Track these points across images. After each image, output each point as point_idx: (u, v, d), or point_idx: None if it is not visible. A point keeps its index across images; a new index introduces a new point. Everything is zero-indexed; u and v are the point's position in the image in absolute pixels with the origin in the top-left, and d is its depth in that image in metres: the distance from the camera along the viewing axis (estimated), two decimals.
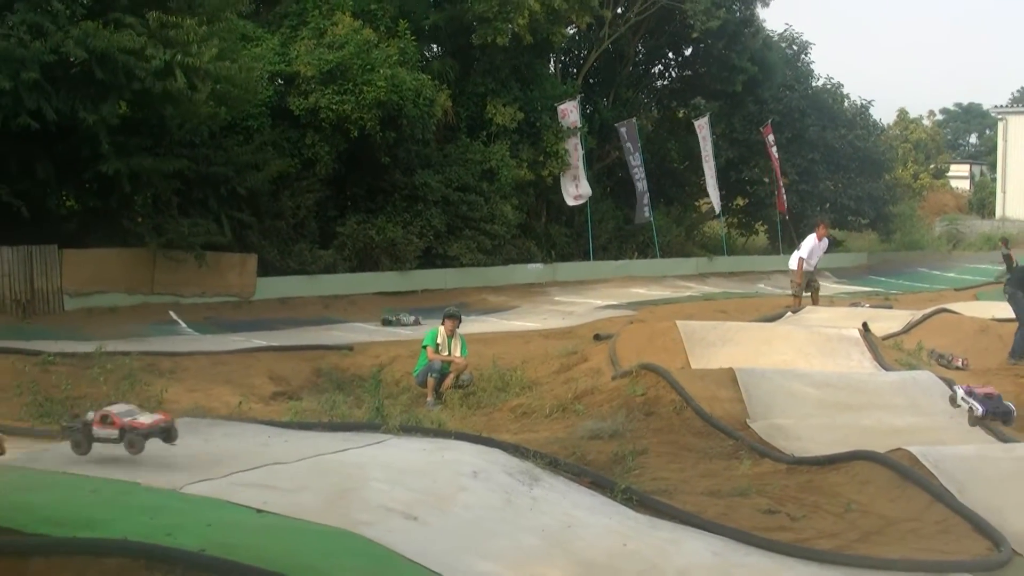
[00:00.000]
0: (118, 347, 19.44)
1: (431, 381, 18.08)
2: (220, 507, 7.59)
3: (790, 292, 28.22)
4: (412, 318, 27.48)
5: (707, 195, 46.87)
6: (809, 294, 27.00)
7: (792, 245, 44.54)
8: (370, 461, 9.48)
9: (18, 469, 8.69)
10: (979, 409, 13.68)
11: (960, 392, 14.16)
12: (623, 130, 40.95)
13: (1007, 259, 38.63)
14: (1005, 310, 21.81)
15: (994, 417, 13.60)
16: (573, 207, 39.84)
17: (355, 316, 28.63)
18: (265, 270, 29.34)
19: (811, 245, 26.70)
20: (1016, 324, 20.38)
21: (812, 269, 27.08)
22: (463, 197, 34.10)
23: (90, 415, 9.19)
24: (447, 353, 18.41)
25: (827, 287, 33.01)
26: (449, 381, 18.22)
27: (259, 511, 7.54)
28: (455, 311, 19.26)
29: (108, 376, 16.51)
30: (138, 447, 8.88)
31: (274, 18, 33.53)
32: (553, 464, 10.30)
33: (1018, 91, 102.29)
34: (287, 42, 31.67)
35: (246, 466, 8.81)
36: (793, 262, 26.94)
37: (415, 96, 31.10)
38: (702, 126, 43.36)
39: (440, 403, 17.54)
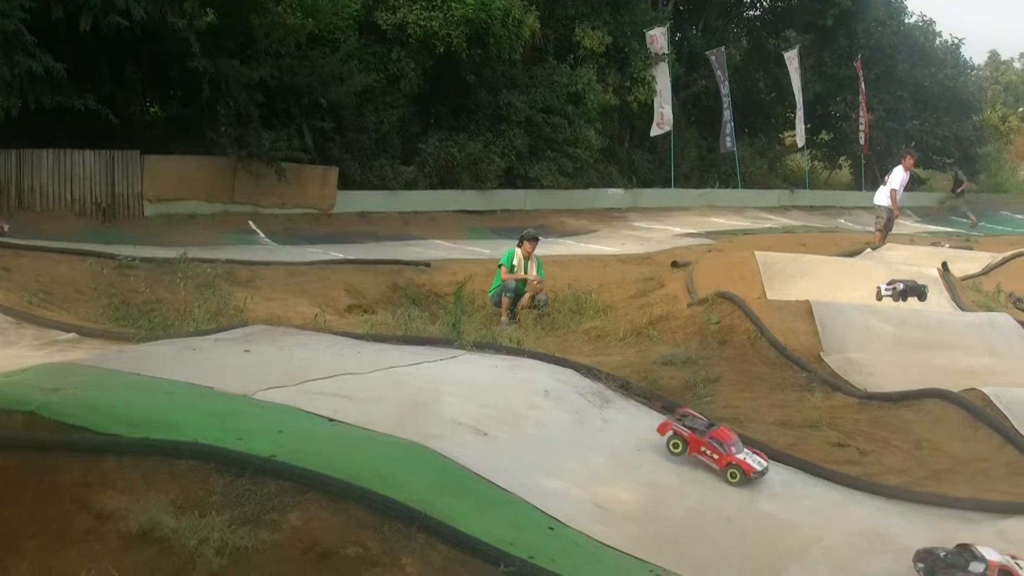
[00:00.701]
0: (196, 255, 19.48)
1: (506, 301, 18.10)
2: (292, 414, 7.58)
3: (872, 228, 27.72)
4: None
5: (792, 128, 46.55)
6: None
7: (876, 182, 44.18)
8: (443, 376, 9.45)
9: (93, 369, 8.68)
10: (900, 286, 15.41)
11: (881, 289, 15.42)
12: (714, 58, 40.65)
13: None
14: None
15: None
16: (656, 135, 39.62)
17: (434, 233, 28.59)
18: (346, 184, 29.32)
19: (901, 177, 26.11)
20: None
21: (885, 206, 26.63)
22: (547, 119, 33.94)
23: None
24: (523, 274, 18.40)
25: (908, 226, 32.68)
26: (525, 300, 18.26)
27: (330, 420, 7.53)
28: (533, 233, 19.23)
29: (187, 282, 16.61)
30: None
31: None
32: (625, 387, 10.23)
33: None
34: None
35: (319, 375, 8.79)
36: (883, 197, 26.24)
37: (503, 15, 30.90)
38: (792, 58, 42.97)
39: (514, 323, 17.56)
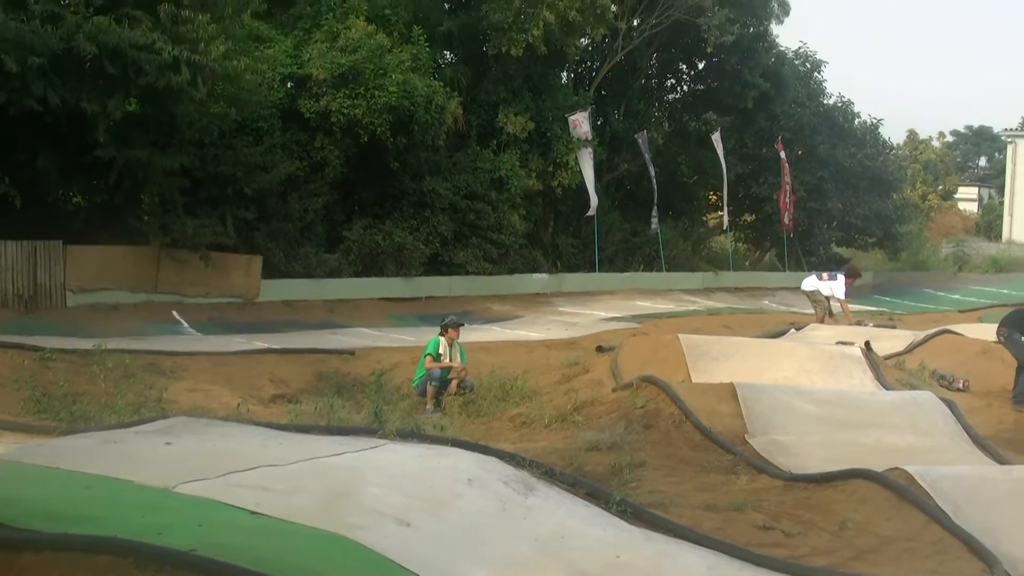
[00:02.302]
0: (120, 345, 19.45)
1: (431, 389, 18.09)
2: (213, 507, 7.55)
3: (810, 310, 28.62)
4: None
5: (714, 210, 46.95)
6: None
7: (799, 262, 44.73)
8: (366, 465, 9.45)
9: (12, 463, 8.65)
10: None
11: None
12: (641, 140, 40.95)
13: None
14: None
15: None
16: (580, 218, 39.83)
17: (359, 321, 28.63)
18: (270, 272, 29.37)
19: (845, 288, 27.28)
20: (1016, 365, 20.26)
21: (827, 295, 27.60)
22: (471, 205, 34.21)
23: None
24: (448, 361, 18.44)
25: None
26: (452, 387, 18.27)
27: (252, 512, 7.50)
28: (456, 320, 19.29)
29: (108, 373, 16.52)
30: None
31: (288, 20, 33.58)
32: (549, 474, 10.26)
33: None
34: (300, 44, 31.74)
35: (242, 467, 8.76)
36: (813, 284, 27.70)
37: (427, 102, 31.15)
38: (719, 140, 43.35)
39: (439, 411, 17.54)
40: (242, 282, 28.56)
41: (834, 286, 27.28)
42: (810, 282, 27.97)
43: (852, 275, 27.93)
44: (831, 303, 27.33)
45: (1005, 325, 20.12)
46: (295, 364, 21.24)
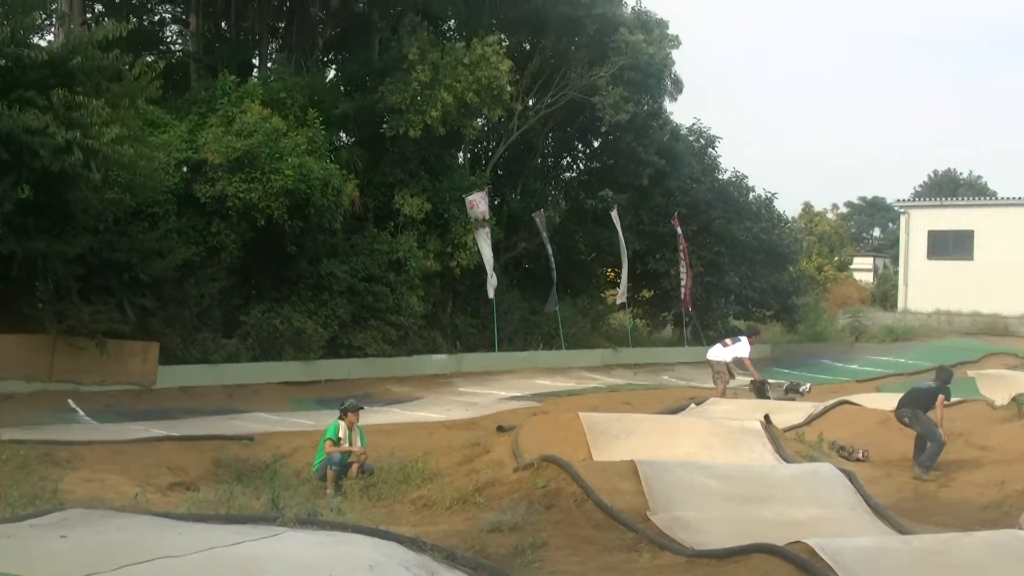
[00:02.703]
0: (14, 435, 19.25)
1: (331, 474, 18.11)
2: None
3: (710, 384, 29.31)
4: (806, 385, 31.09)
5: (612, 287, 47.20)
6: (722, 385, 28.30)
7: (698, 336, 45.00)
8: (266, 555, 9.43)
9: None
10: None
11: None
12: (539, 219, 41.09)
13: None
14: None
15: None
16: (479, 298, 39.92)
17: (258, 406, 28.46)
18: (167, 358, 29.12)
19: (748, 349, 28.67)
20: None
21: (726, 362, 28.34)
22: (369, 287, 34.16)
23: None
24: (348, 445, 18.45)
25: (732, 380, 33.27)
26: (353, 471, 18.27)
27: None
28: (355, 403, 19.39)
29: (2, 465, 16.35)
30: None
31: (183, 104, 33.60)
32: (451, 558, 10.29)
33: (920, 186, 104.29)
34: (195, 129, 31.72)
35: (138, 559, 8.69)
36: (720, 354, 29.04)
37: (323, 185, 31.21)
38: (617, 217, 43.53)
39: (340, 495, 17.51)
40: (139, 369, 28.28)
41: (738, 348, 28.61)
42: (715, 351, 28.74)
43: (753, 333, 29.74)
44: (733, 365, 28.67)
45: (906, 406, 20.44)
46: (193, 451, 21.11)
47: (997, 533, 12.38)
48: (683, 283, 46.13)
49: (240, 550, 9.57)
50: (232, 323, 31.91)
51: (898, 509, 15.54)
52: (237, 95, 32.44)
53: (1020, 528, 13.38)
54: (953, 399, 21.32)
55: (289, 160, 30.28)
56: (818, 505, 14.71)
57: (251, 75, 38.51)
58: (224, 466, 20.40)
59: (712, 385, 29.34)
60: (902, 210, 64.41)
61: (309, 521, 11.25)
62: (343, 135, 38.55)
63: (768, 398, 27.98)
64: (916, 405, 20.44)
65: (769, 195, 52.55)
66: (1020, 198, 60.58)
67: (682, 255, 45.96)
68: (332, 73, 41.78)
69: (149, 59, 29.95)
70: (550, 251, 41.44)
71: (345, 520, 11.90)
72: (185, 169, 31.08)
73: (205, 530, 10.60)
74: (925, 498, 17.97)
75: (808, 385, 32.05)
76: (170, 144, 30.41)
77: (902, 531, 13.51)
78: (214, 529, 10.65)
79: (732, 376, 28.76)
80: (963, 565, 10.57)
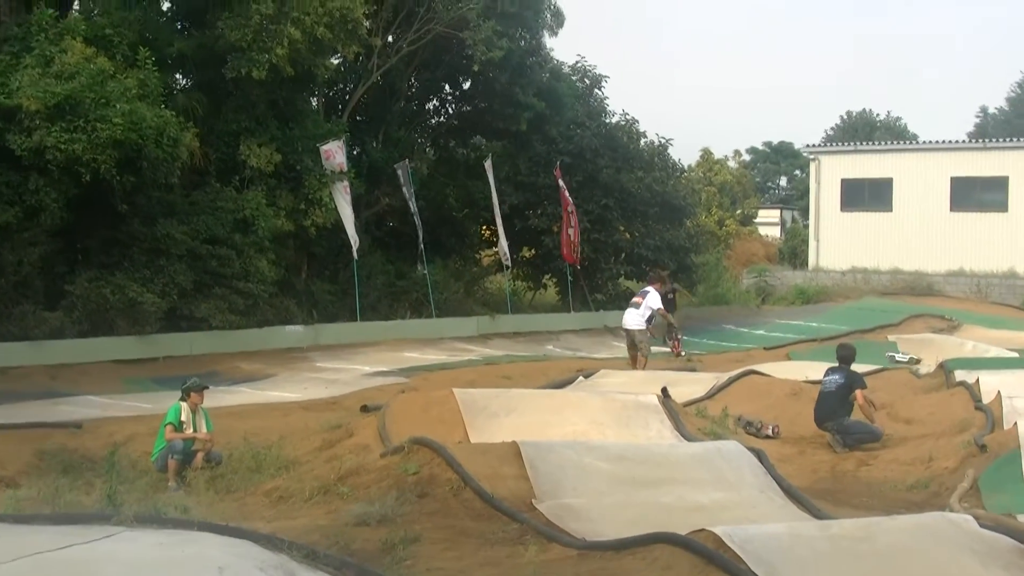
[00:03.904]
0: None
1: (173, 464, 17.94)
2: None
3: (639, 353, 29.06)
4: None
5: (488, 246, 47.18)
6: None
7: (586, 301, 45.09)
8: (100, 558, 9.34)
9: None
10: None
11: None
12: (401, 171, 40.90)
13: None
14: (819, 371, 22.22)
15: None
16: (338, 261, 39.75)
17: (87, 388, 28.05)
18: None
19: (658, 297, 28.32)
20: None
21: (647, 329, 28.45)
22: (212, 251, 33.85)
23: None
24: (191, 431, 18.30)
25: (621, 347, 33.38)
26: (198, 461, 18.16)
27: None
28: (198, 382, 19.21)
29: None
30: None
31: None
32: (312, 556, 10.27)
33: (832, 129, 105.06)
34: (7, 71, 30.93)
35: None
36: (637, 320, 28.19)
37: (157, 135, 30.60)
38: (491, 168, 43.39)
39: (184, 488, 17.39)
40: None
41: (651, 300, 28.88)
42: (631, 317, 28.54)
43: (658, 279, 29.29)
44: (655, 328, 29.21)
45: (826, 419, 20.31)
46: (12, 442, 20.77)
47: (924, 516, 12.48)
48: (571, 238, 45.93)
49: (70, 554, 9.47)
50: (55, 294, 31.46)
51: (813, 491, 15.73)
52: (56, 31, 31.70)
53: (951, 510, 13.56)
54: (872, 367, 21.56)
55: (117, 106, 29.64)
56: (724, 488, 14.85)
57: (72, 8, 37.80)
58: (48, 458, 20.09)
59: (612, 356, 29.24)
60: (812, 156, 64.62)
61: (149, 519, 11.16)
62: (180, 78, 38.18)
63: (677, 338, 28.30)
64: (835, 415, 20.16)
65: (663, 141, 52.72)
66: (944, 141, 61.20)
67: (566, 209, 45.78)
68: (167, 6, 41.13)
69: None
70: (414, 207, 41.31)
71: (191, 517, 11.83)
72: None
73: (29, 532, 10.50)
74: (844, 478, 18.15)
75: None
76: None
77: (818, 516, 13.65)
78: (39, 531, 10.55)
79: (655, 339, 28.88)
80: (887, 552, 10.70)
